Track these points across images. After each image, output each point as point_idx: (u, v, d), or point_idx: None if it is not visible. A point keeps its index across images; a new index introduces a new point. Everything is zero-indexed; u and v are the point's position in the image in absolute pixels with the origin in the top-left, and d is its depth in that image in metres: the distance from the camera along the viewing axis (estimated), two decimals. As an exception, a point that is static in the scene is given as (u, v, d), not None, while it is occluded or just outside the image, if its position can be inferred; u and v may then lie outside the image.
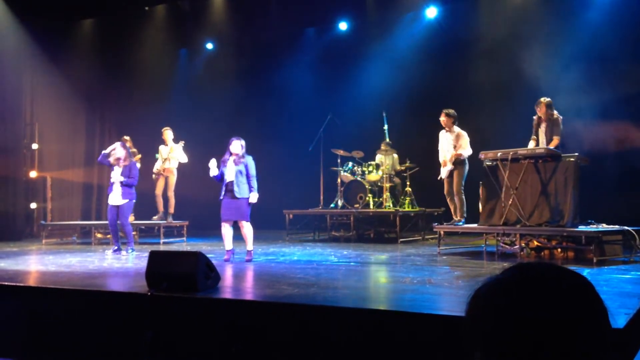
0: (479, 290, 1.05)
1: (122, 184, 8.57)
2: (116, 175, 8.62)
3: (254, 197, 7.54)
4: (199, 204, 12.56)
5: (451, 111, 8.74)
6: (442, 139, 8.85)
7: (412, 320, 3.78)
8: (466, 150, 8.57)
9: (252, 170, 7.55)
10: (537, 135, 7.97)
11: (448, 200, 8.82)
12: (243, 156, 7.53)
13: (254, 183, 7.54)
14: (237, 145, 7.53)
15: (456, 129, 8.71)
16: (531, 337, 0.95)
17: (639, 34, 9.93)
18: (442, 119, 8.73)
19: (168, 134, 11.09)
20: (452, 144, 8.65)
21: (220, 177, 7.53)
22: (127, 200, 8.60)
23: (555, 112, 7.83)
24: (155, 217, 11.04)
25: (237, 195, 7.42)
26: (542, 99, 7.88)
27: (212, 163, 7.53)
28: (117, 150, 8.69)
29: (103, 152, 8.89)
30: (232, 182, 7.45)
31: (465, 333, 1.04)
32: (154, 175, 11.18)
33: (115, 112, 14.66)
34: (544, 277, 1.02)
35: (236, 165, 7.47)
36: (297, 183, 12.71)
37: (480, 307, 1.03)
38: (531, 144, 7.88)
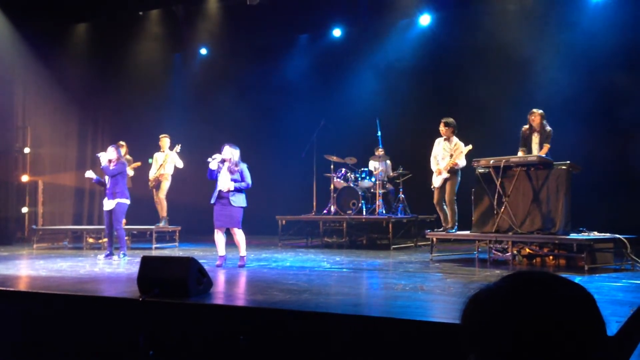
0: (476, 297, 1.06)
1: (103, 168, 8.60)
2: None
3: (230, 185, 7.42)
4: (192, 210, 12.54)
5: (450, 120, 8.71)
6: (437, 147, 8.81)
7: (404, 327, 3.78)
8: (462, 161, 8.58)
9: (248, 179, 7.56)
10: (525, 146, 8.02)
11: (437, 209, 8.82)
12: (237, 164, 7.52)
13: (243, 186, 7.52)
14: (227, 151, 7.52)
15: (455, 139, 8.69)
16: (527, 343, 0.96)
17: (633, 42, 10.01)
18: (441, 128, 8.69)
19: (165, 141, 11.12)
20: (449, 153, 8.64)
21: (216, 176, 7.52)
22: (117, 201, 8.57)
23: (547, 123, 7.91)
24: (160, 224, 10.97)
25: (234, 205, 7.44)
26: (535, 110, 7.92)
27: (217, 156, 7.51)
28: (109, 152, 8.71)
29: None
30: (226, 191, 7.45)
31: (461, 338, 1.05)
32: (150, 183, 11.14)
33: (108, 117, 14.63)
34: (541, 285, 1.02)
35: (231, 174, 7.47)
36: (290, 189, 12.71)
37: (477, 313, 1.04)
38: (520, 154, 7.91)
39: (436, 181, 8.73)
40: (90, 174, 8.98)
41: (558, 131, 8.18)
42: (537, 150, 7.86)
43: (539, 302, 0.99)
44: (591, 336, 0.98)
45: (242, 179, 7.51)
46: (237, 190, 7.48)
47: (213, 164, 7.47)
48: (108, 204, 8.63)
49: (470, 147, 8.51)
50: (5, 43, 12.10)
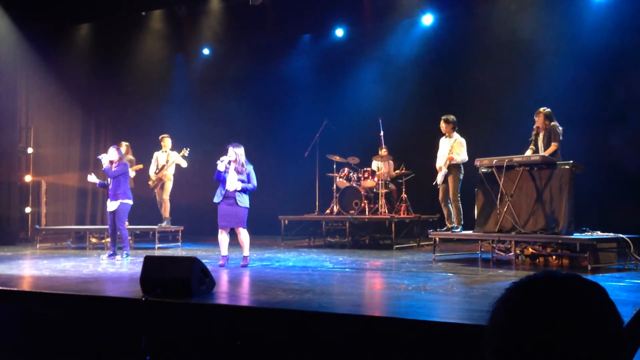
0: (503, 294, 1.07)
1: (105, 170, 8.60)
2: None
3: (238, 185, 7.46)
4: (195, 210, 12.55)
5: (450, 117, 8.69)
6: (441, 145, 8.82)
7: (407, 326, 3.78)
8: (460, 156, 8.53)
9: (254, 181, 7.59)
10: (535, 145, 7.96)
11: (442, 206, 8.80)
12: (244, 165, 7.55)
13: (248, 187, 7.54)
14: (231, 152, 7.53)
15: (455, 135, 8.66)
16: (534, 343, 0.97)
17: (636, 42, 9.98)
18: (442, 125, 8.70)
19: (167, 141, 11.10)
20: (449, 150, 8.63)
21: (223, 177, 7.53)
22: (119, 202, 8.58)
23: (555, 122, 7.82)
24: (162, 224, 10.96)
25: (240, 205, 7.47)
26: (541, 109, 7.85)
27: (225, 158, 7.53)
28: (110, 154, 8.70)
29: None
30: (232, 190, 7.47)
31: (485, 337, 1.06)
32: (150, 183, 11.15)
33: (110, 117, 14.65)
34: (549, 285, 1.03)
35: (239, 174, 7.49)
36: (292, 189, 12.71)
37: (493, 312, 1.05)
38: (528, 153, 7.88)
39: (438, 178, 8.74)
40: (92, 178, 8.98)
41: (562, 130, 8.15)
42: (542, 149, 7.81)
43: (546, 301, 1.00)
44: (603, 334, 0.99)
45: (249, 181, 7.54)
46: (243, 190, 7.50)
47: (221, 165, 7.50)
48: (111, 205, 8.64)
49: (463, 140, 8.58)
50: (8, 44, 12.12)
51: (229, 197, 7.50)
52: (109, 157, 8.69)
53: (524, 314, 1.00)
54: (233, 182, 7.48)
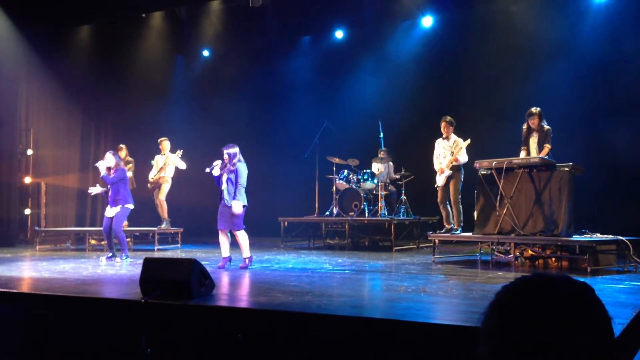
0: (496, 296, 1.08)
1: (103, 177, 8.57)
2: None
3: (236, 206, 7.36)
4: (194, 211, 12.55)
5: (450, 118, 8.78)
6: (438, 147, 8.85)
7: (407, 328, 3.78)
8: (463, 157, 8.59)
9: (241, 179, 7.45)
10: (526, 145, 7.97)
11: (441, 207, 8.82)
12: (234, 164, 7.49)
13: (239, 191, 7.42)
14: (224, 154, 7.53)
15: (453, 136, 8.74)
16: (523, 344, 0.97)
17: (635, 43, 9.99)
18: (443, 126, 8.72)
19: (166, 144, 11.09)
20: (450, 151, 8.66)
21: (218, 180, 7.53)
22: (119, 207, 8.56)
23: (545, 122, 7.85)
24: (162, 226, 10.94)
25: (227, 204, 7.43)
26: (534, 110, 7.85)
27: (217, 162, 7.52)
28: (107, 159, 8.65)
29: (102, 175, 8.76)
30: (223, 190, 7.46)
31: (480, 338, 1.06)
32: (149, 185, 11.14)
33: (110, 119, 14.64)
34: (540, 287, 1.04)
35: (228, 174, 7.46)
36: (292, 190, 12.71)
37: (486, 313, 1.06)
38: (522, 155, 7.89)
39: (439, 180, 8.74)
40: (96, 189, 8.94)
41: (561, 132, 8.14)
42: (536, 150, 7.81)
43: (538, 301, 1.00)
44: (594, 338, 0.99)
45: (236, 177, 7.42)
46: (232, 191, 7.43)
47: (215, 170, 7.48)
48: (111, 212, 8.60)
49: (468, 141, 8.56)
50: (8, 45, 12.11)
51: (223, 198, 7.50)
52: (106, 163, 8.64)
53: (518, 315, 1.00)
54: (224, 184, 7.47)
